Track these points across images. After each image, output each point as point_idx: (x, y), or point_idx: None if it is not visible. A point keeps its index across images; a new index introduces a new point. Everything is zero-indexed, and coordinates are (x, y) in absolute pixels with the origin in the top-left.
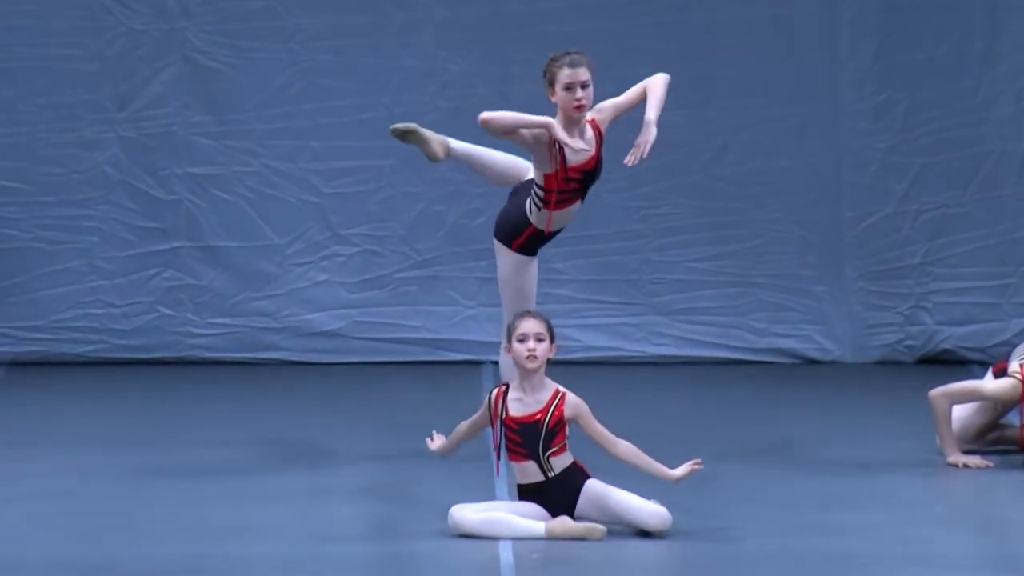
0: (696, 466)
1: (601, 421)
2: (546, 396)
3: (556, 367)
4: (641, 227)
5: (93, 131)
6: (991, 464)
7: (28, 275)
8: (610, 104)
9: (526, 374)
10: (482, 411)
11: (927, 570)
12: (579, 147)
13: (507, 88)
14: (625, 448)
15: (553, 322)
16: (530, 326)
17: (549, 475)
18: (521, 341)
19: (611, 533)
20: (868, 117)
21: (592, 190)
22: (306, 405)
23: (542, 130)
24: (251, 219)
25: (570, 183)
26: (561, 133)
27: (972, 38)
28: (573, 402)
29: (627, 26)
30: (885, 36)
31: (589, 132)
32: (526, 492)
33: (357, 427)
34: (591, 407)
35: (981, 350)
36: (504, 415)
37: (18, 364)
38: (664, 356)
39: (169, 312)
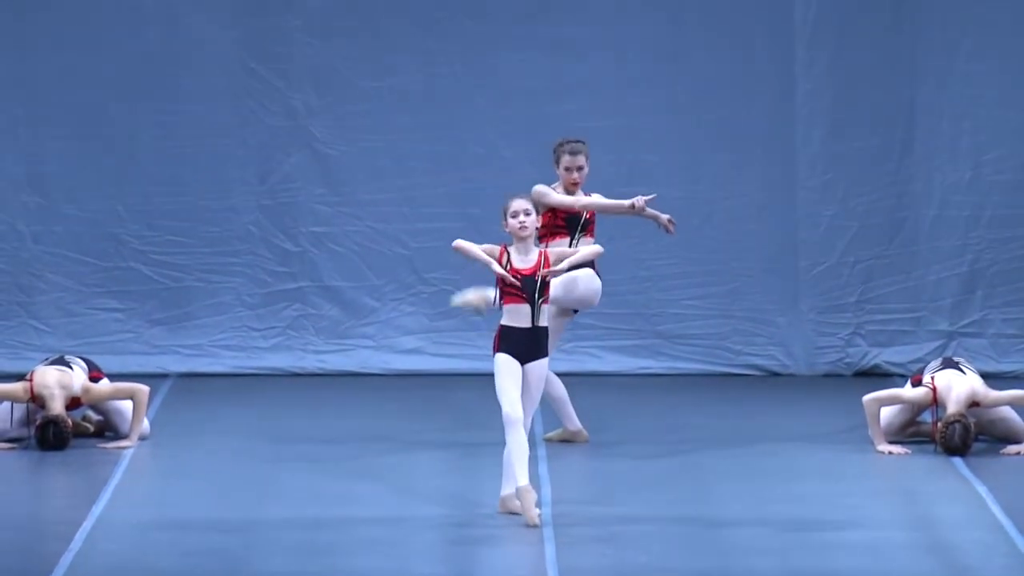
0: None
1: (619, 421)
2: (535, 256)
3: (584, 378)
4: (648, 273)
5: (240, 200)
6: (909, 451)
7: (192, 307)
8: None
9: (520, 242)
10: (493, 252)
11: (862, 530)
12: (510, 281)
13: (548, 170)
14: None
15: (582, 344)
16: (518, 204)
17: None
18: (514, 216)
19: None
20: (818, 191)
21: (613, 246)
22: (398, 405)
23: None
24: (357, 266)
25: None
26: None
27: (894, 131)
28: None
29: (645, 122)
30: (830, 130)
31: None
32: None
33: (436, 421)
34: (611, 409)
35: (902, 365)
36: (508, 267)
37: (184, 375)
38: (665, 369)
39: (296, 335)
